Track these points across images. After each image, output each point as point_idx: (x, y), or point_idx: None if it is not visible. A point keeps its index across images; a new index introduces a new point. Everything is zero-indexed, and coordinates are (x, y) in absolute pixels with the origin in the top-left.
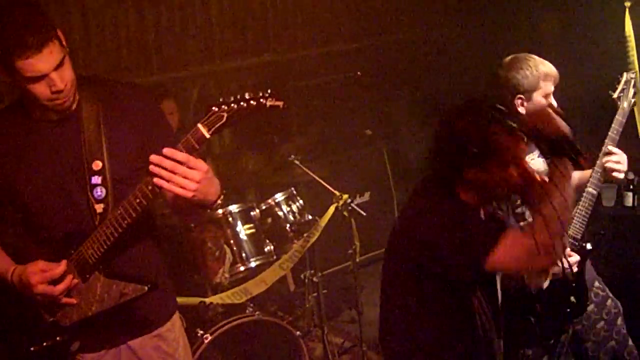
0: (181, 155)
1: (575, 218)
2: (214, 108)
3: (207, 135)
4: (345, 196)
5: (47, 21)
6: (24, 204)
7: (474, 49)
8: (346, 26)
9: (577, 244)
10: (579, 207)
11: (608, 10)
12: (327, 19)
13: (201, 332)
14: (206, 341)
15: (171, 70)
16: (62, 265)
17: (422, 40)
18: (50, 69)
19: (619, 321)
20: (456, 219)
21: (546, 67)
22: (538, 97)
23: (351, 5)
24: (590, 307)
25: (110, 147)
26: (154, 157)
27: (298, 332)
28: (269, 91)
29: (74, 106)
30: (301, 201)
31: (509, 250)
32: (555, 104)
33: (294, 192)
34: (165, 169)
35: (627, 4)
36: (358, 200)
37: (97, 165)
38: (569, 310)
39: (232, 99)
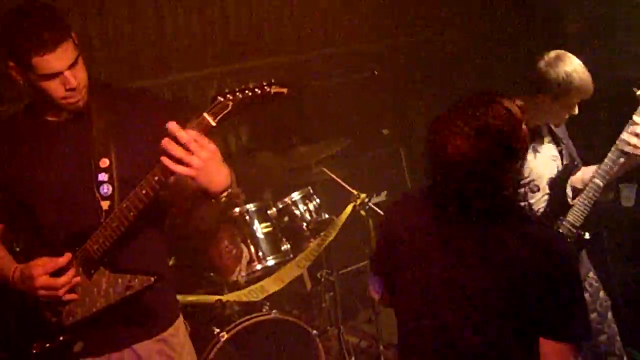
0: (190, 133)
1: (576, 206)
2: (219, 97)
3: (213, 124)
4: (363, 195)
5: (63, 22)
6: (32, 205)
7: (495, 50)
8: (364, 26)
9: (575, 231)
10: (582, 195)
11: (632, 9)
12: (344, 19)
13: (217, 330)
14: (222, 339)
15: (188, 71)
16: (65, 257)
17: (441, 41)
18: (64, 67)
19: (610, 315)
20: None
21: (583, 82)
22: (561, 104)
23: (369, 5)
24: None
25: (118, 145)
26: (165, 141)
27: (314, 331)
28: (272, 79)
29: (83, 104)
30: (318, 200)
31: None
32: (576, 112)
33: (311, 191)
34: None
35: None
36: (375, 199)
37: (105, 162)
38: None
39: (237, 88)
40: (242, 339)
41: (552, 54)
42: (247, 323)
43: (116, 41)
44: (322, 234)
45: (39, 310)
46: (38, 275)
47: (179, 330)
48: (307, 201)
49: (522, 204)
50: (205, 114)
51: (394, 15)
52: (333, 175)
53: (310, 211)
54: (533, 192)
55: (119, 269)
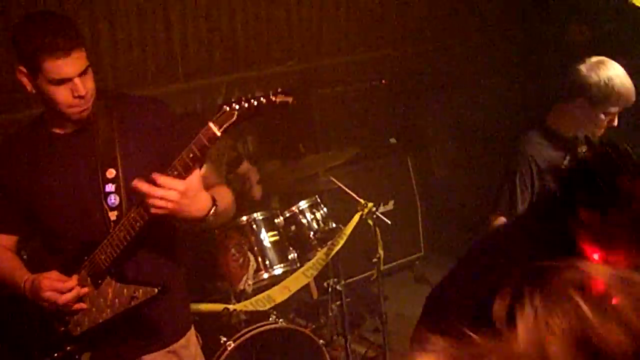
0: (160, 180)
1: None
2: (224, 107)
3: (218, 134)
4: (370, 204)
5: (77, 31)
6: (41, 215)
7: (503, 60)
8: (372, 35)
9: None
10: None
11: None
12: (351, 28)
13: (224, 339)
14: (229, 348)
15: (197, 79)
16: (72, 281)
17: (449, 50)
18: (75, 73)
19: None
20: None
21: (625, 88)
22: (599, 110)
23: (376, 13)
24: None
25: (124, 155)
26: (135, 183)
27: (321, 341)
28: (278, 89)
29: (89, 116)
30: (325, 209)
31: None
32: (615, 123)
33: (318, 199)
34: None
35: None
36: (382, 209)
37: (111, 173)
38: None
39: (243, 97)
40: (249, 348)
41: (594, 59)
42: (254, 332)
43: (124, 49)
44: (329, 243)
45: (48, 320)
46: (45, 288)
47: (190, 342)
48: (314, 210)
49: None
50: (210, 124)
51: (402, 24)
52: (340, 184)
53: (317, 220)
54: None
55: (125, 278)
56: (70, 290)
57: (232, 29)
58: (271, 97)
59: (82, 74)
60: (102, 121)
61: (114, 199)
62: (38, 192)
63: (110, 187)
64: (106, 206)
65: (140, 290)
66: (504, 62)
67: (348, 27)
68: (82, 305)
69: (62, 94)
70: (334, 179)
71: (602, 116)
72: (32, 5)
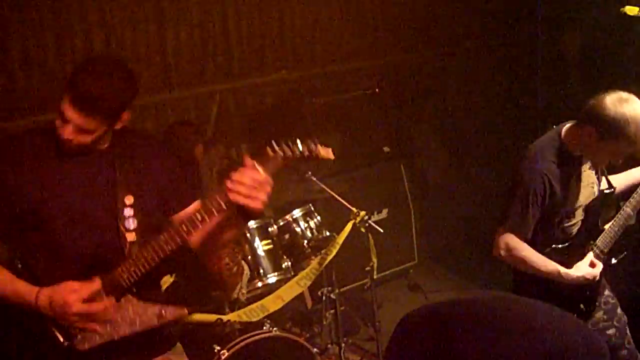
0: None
1: (606, 232)
2: (269, 150)
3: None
4: (363, 213)
5: (119, 100)
6: (51, 230)
7: (495, 69)
8: (365, 44)
9: (603, 257)
10: (613, 222)
11: (628, 29)
12: (344, 37)
13: (218, 348)
14: (223, 357)
15: (190, 88)
16: (97, 283)
17: (441, 58)
18: (76, 123)
19: (628, 331)
20: None
21: (634, 135)
22: (605, 145)
23: (369, 22)
24: (599, 314)
25: (139, 185)
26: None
27: (315, 349)
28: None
29: (106, 145)
30: (319, 217)
31: None
32: (620, 162)
33: (312, 208)
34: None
35: None
36: (375, 217)
37: (130, 199)
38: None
39: (287, 143)
40: (243, 356)
41: (623, 94)
42: (248, 341)
43: (119, 57)
44: (322, 251)
45: (49, 332)
46: (74, 302)
47: (178, 348)
48: (308, 219)
49: (557, 228)
50: (256, 165)
51: (395, 32)
52: (333, 193)
53: (311, 229)
54: (569, 217)
55: (149, 297)
56: (94, 296)
57: (226, 38)
58: (315, 149)
59: (84, 130)
60: (120, 152)
61: (132, 222)
62: (50, 207)
63: (129, 212)
64: (123, 228)
65: (169, 310)
66: (495, 70)
67: (341, 36)
68: (108, 317)
69: (57, 125)
70: (326, 188)
71: (607, 152)
72: (27, 12)
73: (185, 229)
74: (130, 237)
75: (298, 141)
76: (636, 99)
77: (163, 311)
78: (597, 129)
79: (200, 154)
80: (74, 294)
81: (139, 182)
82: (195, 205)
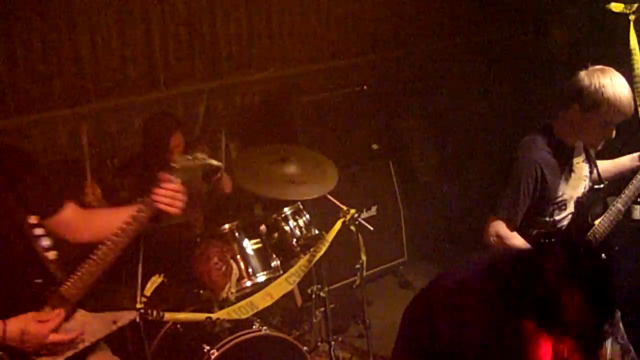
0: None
1: (597, 227)
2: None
3: None
4: (352, 211)
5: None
6: None
7: (482, 64)
8: (352, 41)
9: None
10: (604, 218)
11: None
12: (332, 34)
13: (207, 347)
14: (213, 357)
15: (178, 86)
16: (60, 312)
17: (429, 55)
18: None
19: (621, 326)
20: None
21: (617, 98)
22: (591, 118)
23: (357, 19)
24: None
25: (28, 201)
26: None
27: (305, 347)
28: None
29: None
30: (308, 216)
31: None
32: (613, 135)
33: (301, 206)
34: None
35: (632, 17)
36: (365, 214)
37: (35, 219)
38: None
39: None
40: (233, 356)
41: (597, 66)
42: (237, 340)
43: (104, 56)
44: (311, 249)
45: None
46: (49, 333)
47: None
48: (297, 217)
49: (548, 219)
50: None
51: (382, 29)
52: None
53: (300, 227)
54: (560, 210)
55: (99, 308)
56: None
57: (213, 35)
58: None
59: None
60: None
61: (46, 241)
62: None
63: (39, 231)
64: (40, 248)
65: (121, 315)
66: (485, 66)
67: (329, 34)
68: (72, 336)
69: None
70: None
71: (595, 126)
72: (13, 12)
73: (120, 237)
74: (52, 255)
75: (197, 154)
76: (611, 69)
77: (116, 317)
78: (580, 104)
79: (177, 143)
80: (44, 325)
81: (25, 197)
82: (123, 211)
